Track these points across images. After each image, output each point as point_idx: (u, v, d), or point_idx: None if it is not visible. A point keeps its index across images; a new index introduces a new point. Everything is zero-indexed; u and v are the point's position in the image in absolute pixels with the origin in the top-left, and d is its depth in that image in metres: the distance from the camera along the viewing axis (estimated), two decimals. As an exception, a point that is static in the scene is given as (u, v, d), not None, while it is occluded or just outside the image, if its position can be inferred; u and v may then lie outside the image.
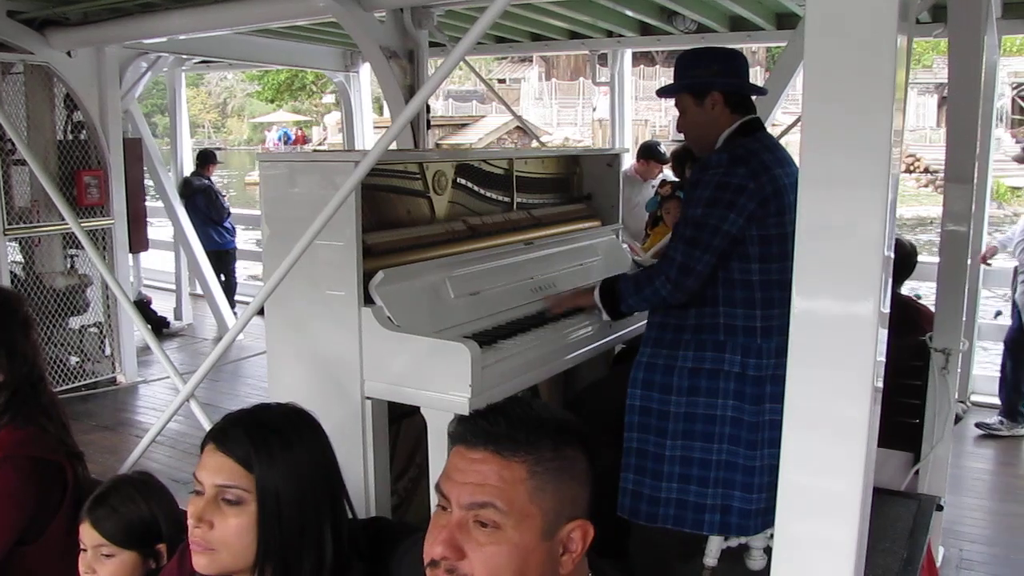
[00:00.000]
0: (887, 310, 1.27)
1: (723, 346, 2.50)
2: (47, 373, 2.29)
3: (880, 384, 1.28)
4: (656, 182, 5.98)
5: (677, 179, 5.26)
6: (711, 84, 2.56)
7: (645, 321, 2.73)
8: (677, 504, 2.53)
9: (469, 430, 1.25)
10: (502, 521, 1.19)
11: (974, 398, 5.77)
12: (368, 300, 2.48)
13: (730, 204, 2.41)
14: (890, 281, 1.28)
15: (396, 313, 2.48)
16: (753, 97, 2.70)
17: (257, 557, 1.53)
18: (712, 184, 2.44)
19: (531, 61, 32.58)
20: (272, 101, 41.23)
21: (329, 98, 39.51)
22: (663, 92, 2.71)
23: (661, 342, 2.58)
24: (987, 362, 6.55)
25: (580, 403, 2.88)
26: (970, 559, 3.73)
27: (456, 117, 31.12)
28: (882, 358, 1.26)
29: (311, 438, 1.65)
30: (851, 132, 1.20)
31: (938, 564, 3.40)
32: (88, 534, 1.87)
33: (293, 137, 36.23)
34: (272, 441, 1.56)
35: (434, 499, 1.28)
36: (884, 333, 1.25)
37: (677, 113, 2.69)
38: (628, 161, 6.63)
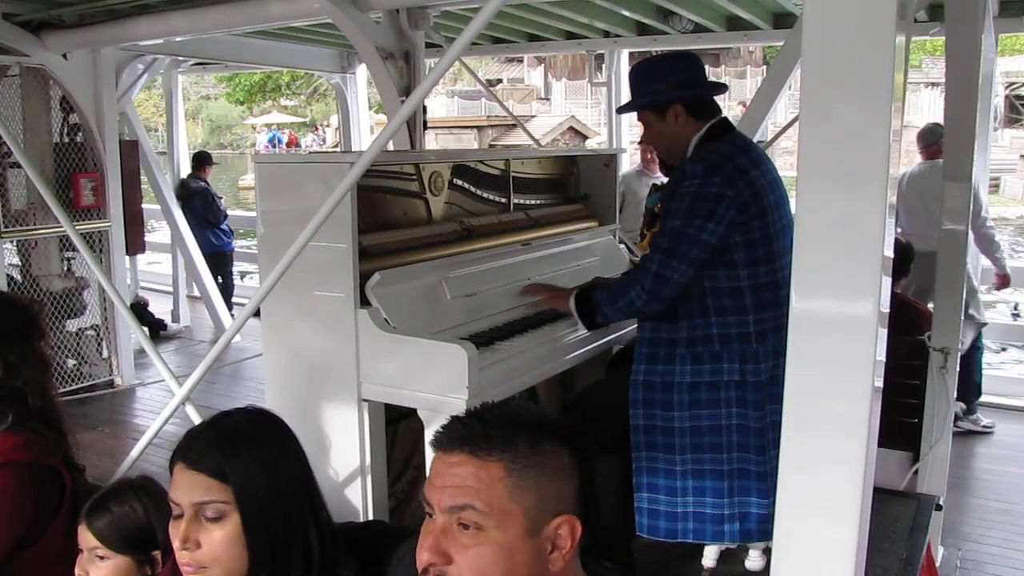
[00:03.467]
0: (887, 309, 1.26)
1: (720, 356, 2.48)
2: (52, 380, 2.27)
3: (880, 384, 1.28)
4: (655, 177, 5.99)
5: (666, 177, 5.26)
6: (671, 98, 2.54)
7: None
8: (695, 517, 2.52)
9: (446, 435, 1.25)
10: (483, 522, 1.18)
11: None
12: (364, 302, 2.47)
13: (709, 214, 2.39)
14: (890, 281, 1.27)
15: (392, 315, 2.48)
16: (718, 97, 2.68)
17: (250, 565, 1.51)
18: (689, 195, 2.41)
19: (521, 61, 32.53)
20: (243, 103, 40.93)
21: (293, 101, 39.32)
22: (623, 110, 2.70)
23: (655, 358, 2.55)
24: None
25: (578, 405, 2.86)
26: (970, 559, 3.73)
27: (509, 117, 31.09)
28: (882, 358, 1.26)
29: (278, 437, 1.64)
30: (850, 131, 1.19)
31: (937, 564, 3.39)
32: (84, 536, 1.87)
33: (285, 139, 36.03)
34: (240, 446, 1.54)
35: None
36: (884, 333, 1.25)
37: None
38: (627, 163, 6.66)
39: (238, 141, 42.02)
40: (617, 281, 2.61)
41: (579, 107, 31.91)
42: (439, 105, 33.05)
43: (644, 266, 2.46)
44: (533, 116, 30.19)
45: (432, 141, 28.32)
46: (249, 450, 1.55)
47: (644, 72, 2.64)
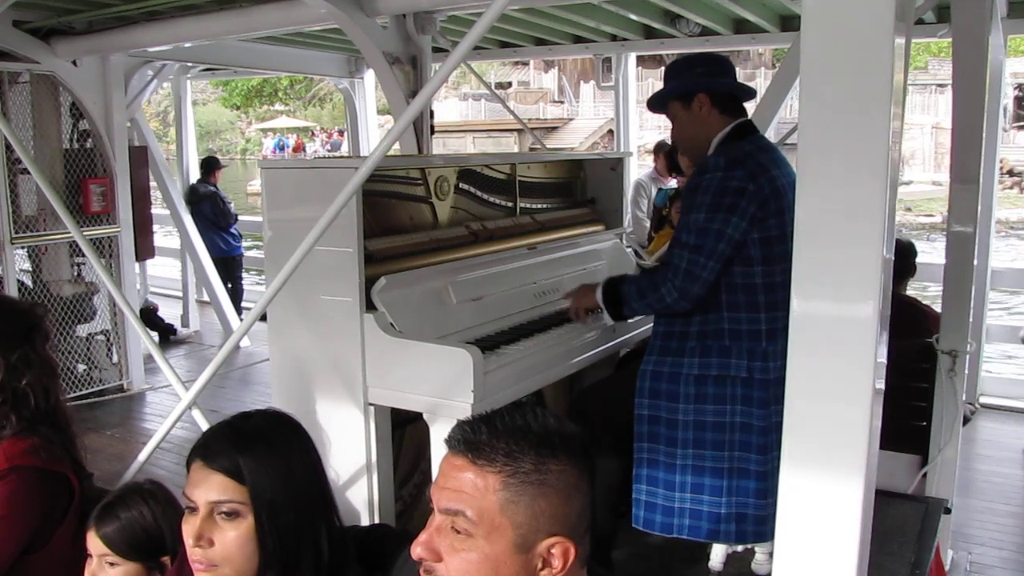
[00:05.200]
0: (887, 311, 1.26)
1: (728, 351, 2.48)
2: (59, 384, 2.27)
3: (881, 385, 1.27)
4: (667, 186, 5.99)
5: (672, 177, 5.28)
6: (696, 85, 2.57)
7: (650, 326, 2.72)
8: (692, 514, 2.51)
9: (455, 437, 1.25)
10: (472, 530, 1.19)
11: (983, 400, 5.74)
12: (370, 306, 2.48)
13: (732, 208, 2.39)
14: (890, 282, 1.27)
15: (398, 319, 2.48)
16: (745, 95, 2.67)
17: (260, 566, 1.52)
18: (712, 189, 2.42)
19: (527, 64, 32.56)
20: (239, 108, 40.87)
21: (289, 105, 39.20)
22: (652, 102, 2.71)
23: (666, 350, 2.56)
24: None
25: (580, 405, 2.87)
26: (979, 562, 3.70)
27: (549, 120, 31.11)
28: (883, 359, 1.25)
29: (295, 441, 1.65)
30: (849, 133, 1.19)
31: (947, 568, 3.38)
32: (94, 543, 1.87)
33: (292, 145, 36.05)
34: (259, 449, 1.56)
35: None
36: (884, 334, 1.25)
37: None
38: (635, 169, 6.66)
39: (228, 147, 41.79)
40: (645, 276, 2.61)
41: (611, 109, 31.95)
42: (465, 108, 32.99)
43: (673, 263, 2.46)
44: (571, 119, 30.23)
45: (469, 144, 28.23)
46: (267, 453, 1.57)
47: (674, 66, 2.68)
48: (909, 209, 22.65)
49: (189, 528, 1.53)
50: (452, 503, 1.20)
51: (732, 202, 2.40)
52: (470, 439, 1.23)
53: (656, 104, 2.68)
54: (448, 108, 32.98)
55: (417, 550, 1.22)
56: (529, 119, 30.54)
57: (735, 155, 2.46)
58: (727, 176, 2.41)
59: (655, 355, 2.57)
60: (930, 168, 27.16)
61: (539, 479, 1.20)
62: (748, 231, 2.41)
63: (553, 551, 1.20)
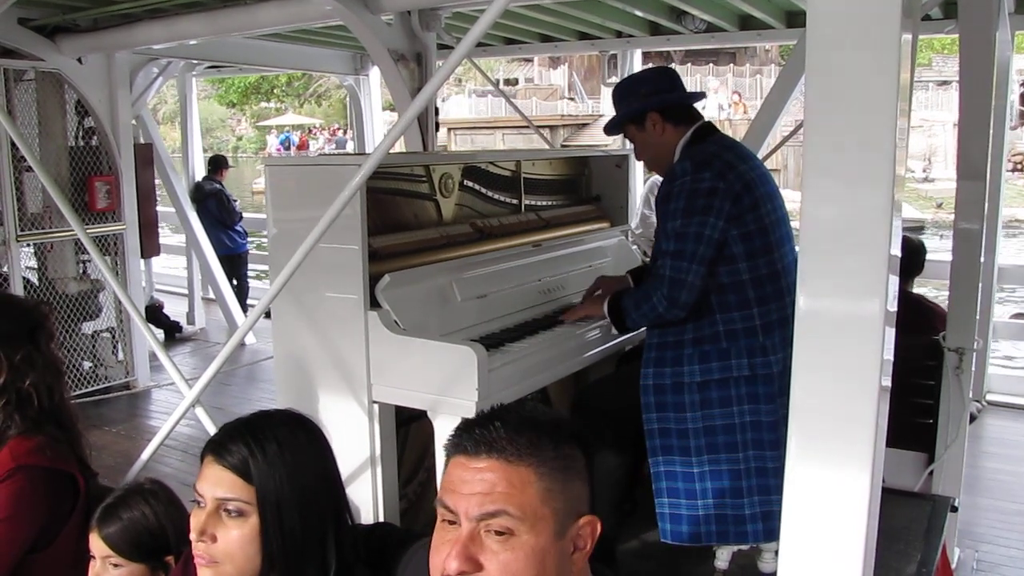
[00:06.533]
0: (893, 308, 1.25)
1: (727, 353, 2.48)
2: (64, 382, 2.27)
3: (888, 383, 1.27)
4: None
5: None
6: (645, 106, 2.60)
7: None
8: (717, 520, 2.52)
9: (469, 440, 1.23)
10: (516, 527, 1.18)
11: (990, 397, 5.72)
12: (374, 304, 2.47)
13: (706, 209, 2.41)
14: (896, 280, 1.26)
15: (403, 317, 2.48)
16: (695, 100, 2.71)
17: (262, 567, 1.52)
18: (683, 193, 2.44)
19: (531, 60, 32.51)
20: (234, 105, 40.86)
21: (284, 103, 39.23)
22: (609, 128, 2.75)
23: (663, 361, 2.55)
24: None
25: (583, 402, 2.86)
26: (986, 560, 3.69)
27: (581, 116, 31.16)
28: (889, 356, 1.25)
29: (310, 445, 1.64)
30: (855, 130, 1.18)
31: (953, 566, 3.37)
32: (96, 544, 1.87)
33: (297, 142, 36.07)
34: (271, 451, 1.55)
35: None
36: (891, 331, 1.24)
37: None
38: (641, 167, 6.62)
39: (218, 144, 41.52)
40: (641, 288, 2.62)
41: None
42: (484, 105, 32.83)
43: (658, 273, 2.47)
44: (601, 115, 30.22)
45: (499, 141, 28.21)
46: (278, 455, 1.56)
47: (620, 90, 2.73)
48: (940, 206, 22.54)
49: (195, 521, 1.53)
50: (488, 506, 1.18)
51: (705, 203, 2.41)
52: (490, 438, 1.21)
53: (613, 129, 2.74)
54: (457, 105, 32.87)
55: (454, 564, 1.17)
56: (561, 115, 30.53)
57: (701, 158, 2.49)
58: (696, 179, 2.43)
59: (652, 367, 2.56)
60: (951, 165, 27.15)
61: (563, 464, 1.22)
62: (726, 229, 2.43)
63: (583, 532, 1.23)
